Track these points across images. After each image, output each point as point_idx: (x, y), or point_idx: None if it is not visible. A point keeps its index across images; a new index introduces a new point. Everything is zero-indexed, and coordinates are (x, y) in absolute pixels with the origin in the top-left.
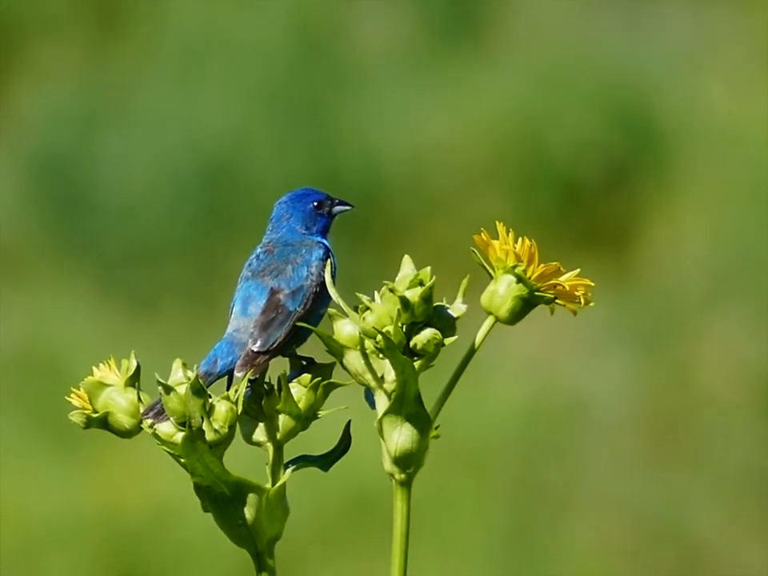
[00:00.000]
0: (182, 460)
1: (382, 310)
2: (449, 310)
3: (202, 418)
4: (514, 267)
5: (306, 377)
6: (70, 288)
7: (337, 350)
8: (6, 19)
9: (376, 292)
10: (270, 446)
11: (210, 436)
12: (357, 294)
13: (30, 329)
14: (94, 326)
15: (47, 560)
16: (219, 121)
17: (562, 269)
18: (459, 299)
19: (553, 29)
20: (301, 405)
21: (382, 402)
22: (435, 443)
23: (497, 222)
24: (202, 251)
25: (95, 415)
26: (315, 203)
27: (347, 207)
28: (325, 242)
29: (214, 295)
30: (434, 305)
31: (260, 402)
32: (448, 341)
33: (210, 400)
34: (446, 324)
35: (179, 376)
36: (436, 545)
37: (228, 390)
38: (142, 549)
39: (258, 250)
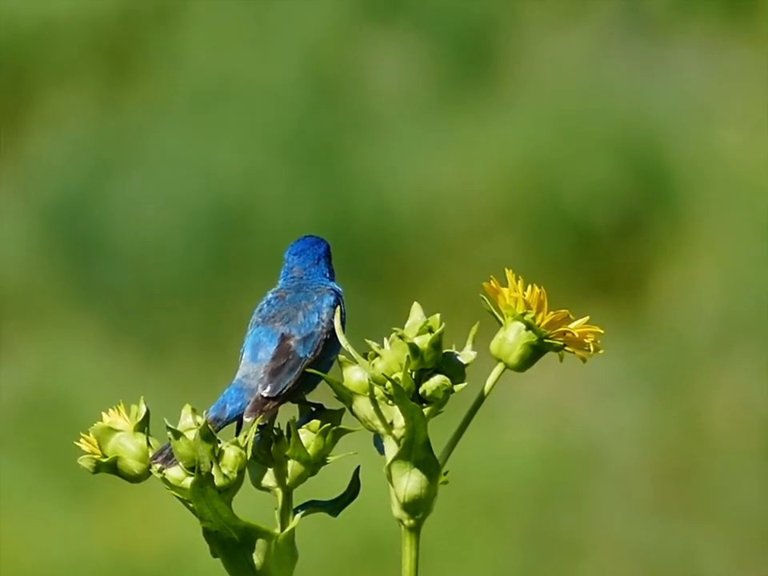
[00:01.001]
0: (191, 505)
1: (391, 357)
2: (458, 357)
3: (211, 464)
4: (524, 314)
5: (315, 422)
6: (82, 333)
7: (346, 397)
8: (18, 65)
9: (386, 339)
10: (279, 492)
11: (219, 481)
12: (366, 340)
13: (42, 373)
14: (106, 371)
15: None
16: (232, 165)
17: (571, 316)
18: (469, 346)
19: (566, 75)
20: (310, 450)
21: (391, 448)
22: (448, 489)
23: (506, 270)
24: (214, 296)
25: (104, 460)
26: (327, 250)
27: None
28: (337, 287)
29: (226, 340)
30: (444, 351)
31: (269, 448)
32: (457, 387)
33: (220, 445)
34: (455, 371)
35: (188, 421)
36: None
37: (237, 435)
38: None
39: (270, 296)
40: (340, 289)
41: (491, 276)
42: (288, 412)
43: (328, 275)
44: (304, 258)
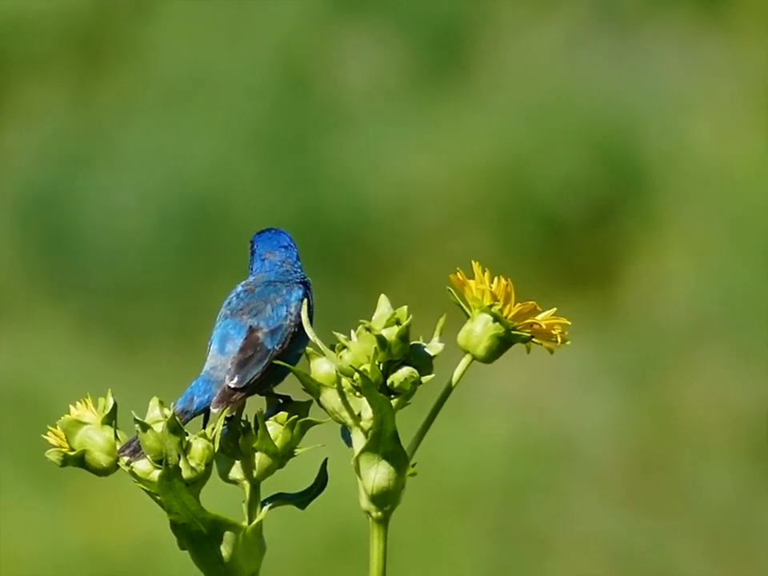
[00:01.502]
0: (159, 498)
1: (358, 349)
2: (426, 349)
3: (179, 456)
4: (491, 306)
5: (282, 415)
6: (53, 325)
7: (314, 388)
8: None
9: (353, 331)
10: (246, 484)
11: (186, 474)
12: (334, 332)
13: (13, 366)
14: (78, 364)
15: None
16: (204, 159)
17: (538, 308)
18: (436, 338)
19: (539, 67)
20: (277, 443)
21: (359, 440)
22: (418, 482)
23: (473, 262)
24: (186, 288)
25: (72, 453)
26: (291, 239)
27: None
28: (307, 279)
29: (198, 332)
30: (411, 343)
31: (236, 440)
32: (425, 379)
33: (187, 438)
34: (423, 362)
35: (156, 414)
36: None
37: (204, 427)
38: None
39: (240, 289)
40: (309, 281)
41: (458, 268)
42: (256, 404)
43: (296, 267)
44: (275, 244)
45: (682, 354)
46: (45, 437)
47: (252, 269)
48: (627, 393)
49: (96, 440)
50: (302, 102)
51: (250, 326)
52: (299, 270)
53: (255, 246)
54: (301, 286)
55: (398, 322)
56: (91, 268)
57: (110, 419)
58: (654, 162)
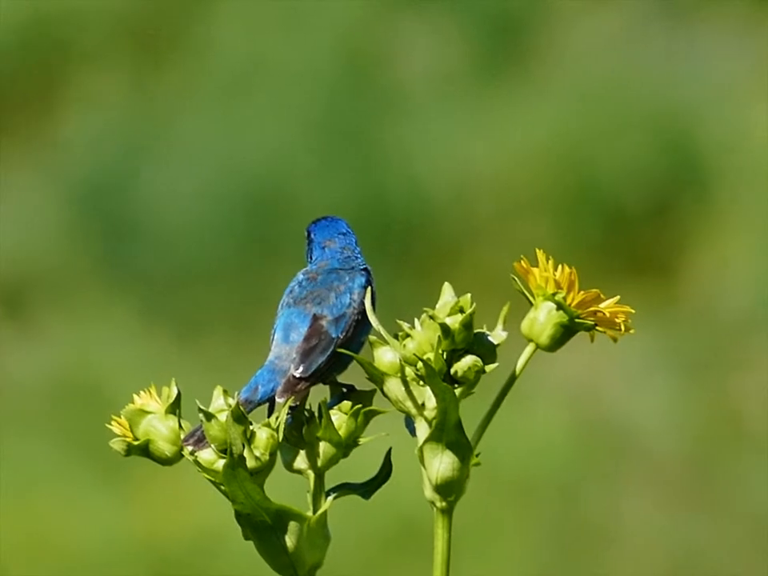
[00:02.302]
0: (223, 488)
1: (422, 337)
2: (489, 337)
3: (243, 445)
4: (554, 294)
5: (346, 404)
6: (114, 315)
7: (377, 377)
8: (49, 47)
9: (416, 319)
10: (310, 474)
11: (250, 463)
12: (397, 321)
13: (75, 356)
14: (139, 353)
15: None
16: (263, 147)
17: (602, 296)
18: (500, 326)
19: (597, 56)
20: (341, 432)
21: (423, 430)
22: (478, 472)
23: (537, 250)
24: (246, 277)
25: (136, 443)
26: (348, 228)
27: None
28: (367, 266)
29: (259, 321)
30: (475, 332)
31: (301, 430)
32: (488, 368)
33: (251, 427)
34: (486, 351)
35: (220, 403)
36: (478, 572)
37: (269, 417)
38: None
39: (301, 277)
40: (369, 268)
41: (522, 256)
42: (319, 394)
43: (355, 254)
44: (334, 232)
45: (742, 344)
46: (108, 426)
47: (311, 257)
48: (687, 383)
49: (160, 429)
50: (361, 90)
51: (314, 315)
52: (360, 257)
53: (313, 235)
54: (363, 273)
55: (461, 310)
56: (151, 256)
57: (174, 408)
58: (712, 151)
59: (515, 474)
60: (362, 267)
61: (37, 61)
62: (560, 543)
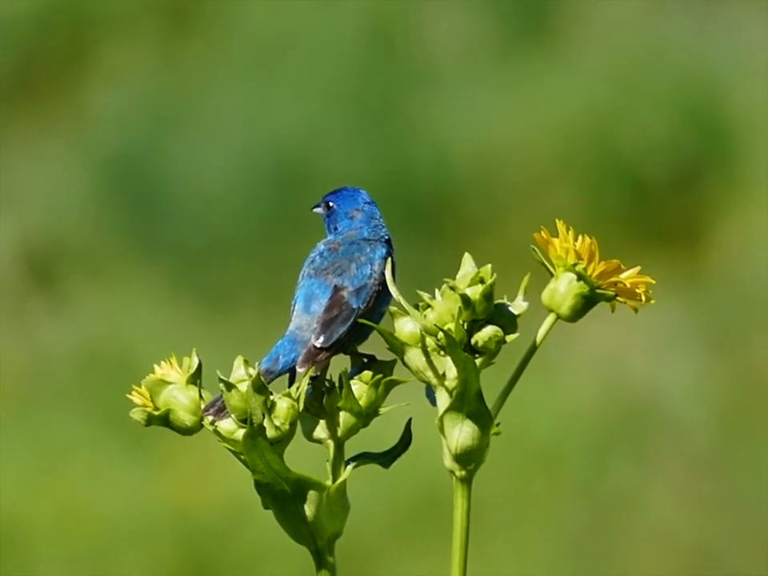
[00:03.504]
0: (243, 457)
1: (443, 308)
2: (510, 308)
3: (263, 415)
4: (575, 265)
5: (367, 374)
6: (143, 286)
7: (398, 348)
8: (77, 20)
9: (437, 290)
10: (330, 443)
11: (271, 433)
12: (418, 291)
13: (105, 327)
14: (168, 324)
15: (119, 559)
16: (291, 119)
17: (622, 266)
18: (520, 296)
19: (624, 28)
20: (362, 402)
21: (443, 400)
22: (504, 442)
23: (557, 221)
24: (273, 249)
25: (156, 413)
26: (370, 197)
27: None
28: (388, 237)
29: (285, 292)
30: (496, 302)
31: (321, 399)
32: (509, 338)
33: (272, 397)
34: (507, 321)
35: (241, 373)
36: (506, 542)
37: (290, 387)
38: (215, 547)
39: (322, 248)
40: (390, 238)
41: (541, 227)
42: (340, 364)
43: (375, 224)
44: (360, 201)
45: (767, 314)
46: (129, 396)
47: (335, 228)
48: (713, 354)
49: (180, 399)
50: (389, 63)
51: (335, 286)
52: (385, 227)
53: (337, 205)
54: (384, 244)
55: (481, 281)
56: (179, 228)
57: (195, 379)
58: (738, 124)
59: (542, 444)
60: (385, 238)
61: (65, 33)
62: (588, 512)
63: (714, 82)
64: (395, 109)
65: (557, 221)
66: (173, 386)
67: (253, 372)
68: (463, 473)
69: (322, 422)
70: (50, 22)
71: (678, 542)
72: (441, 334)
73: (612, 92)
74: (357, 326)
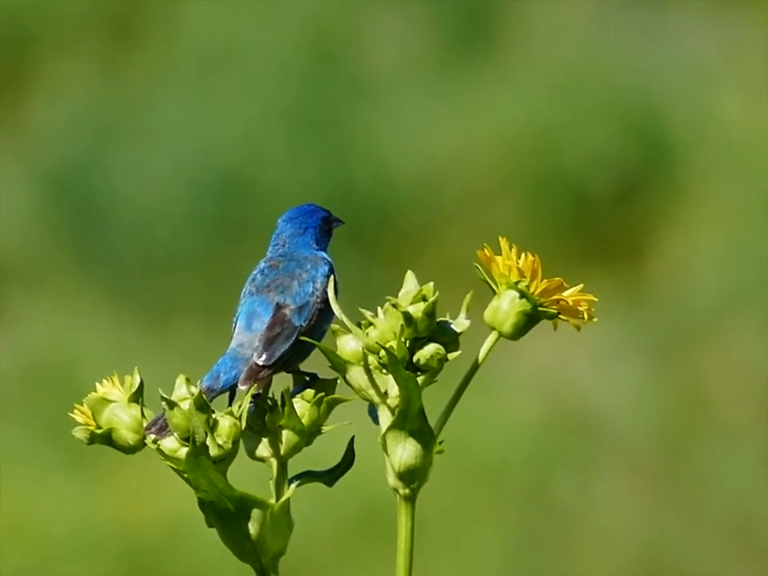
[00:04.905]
0: (186, 475)
1: (385, 326)
2: (452, 326)
3: (206, 434)
4: (517, 283)
5: (309, 392)
6: (84, 300)
7: (340, 366)
8: (19, 33)
9: (380, 308)
10: (273, 462)
11: (213, 451)
12: (360, 309)
13: (44, 340)
14: (108, 338)
15: (62, 574)
16: (233, 132)
17: (565, 284)
18: (463, 314)
19: (567, 41)
20: (304, 420)
21: (386, 418)
22: (447, 459)
23: (500, 238)
24: (214, 262)
25: (99, 431)
26: (323, 219)
27: (340, 223)
28: (329, 258)
29: (226, 307)
30: (438, 320)
31: (263, 418)
32: (451, 356)
33: (214, 415)
34: (449, 339)
35: (183, 391)
36: (450, 559)
37: (231, 404)
38: (157, 562)
39: (262, 265)
40: (330, 259)
41: (485, 244)
42: (282, 382)
43: (314, 246)
44: (291, 226)
45: (710, 328)
46: (71, 415)
47: (271, 242)
48: (656, 367)
49: (123, 418)
50: (330, 75)
51: (277, 303)
52: (315, 248)
53: (279, 219)
54: (326, 261)
55: (424, 299)
56: (120, 241)
57: (137, 397)
58: (682, 135)
59: (485, 461)
60: (324, 257)
61: (7, 47)
62: (530, 528)
63: (656, 92)
64: (336, 121)
65: (500, 238)
66: (115, 405)
67: (195, 390)
68: (407, 491)
69: (265, 441)
70: None
71: (621, 554)
72: (383, 352)
73: (554, 104)
74: (299, 344)
